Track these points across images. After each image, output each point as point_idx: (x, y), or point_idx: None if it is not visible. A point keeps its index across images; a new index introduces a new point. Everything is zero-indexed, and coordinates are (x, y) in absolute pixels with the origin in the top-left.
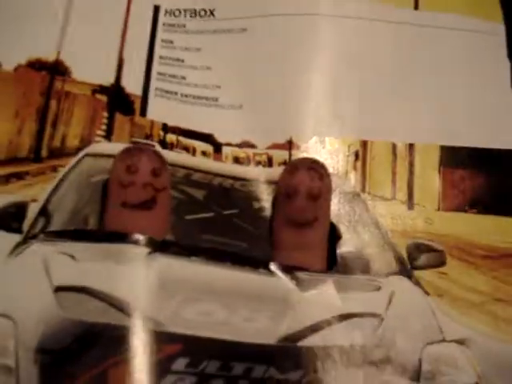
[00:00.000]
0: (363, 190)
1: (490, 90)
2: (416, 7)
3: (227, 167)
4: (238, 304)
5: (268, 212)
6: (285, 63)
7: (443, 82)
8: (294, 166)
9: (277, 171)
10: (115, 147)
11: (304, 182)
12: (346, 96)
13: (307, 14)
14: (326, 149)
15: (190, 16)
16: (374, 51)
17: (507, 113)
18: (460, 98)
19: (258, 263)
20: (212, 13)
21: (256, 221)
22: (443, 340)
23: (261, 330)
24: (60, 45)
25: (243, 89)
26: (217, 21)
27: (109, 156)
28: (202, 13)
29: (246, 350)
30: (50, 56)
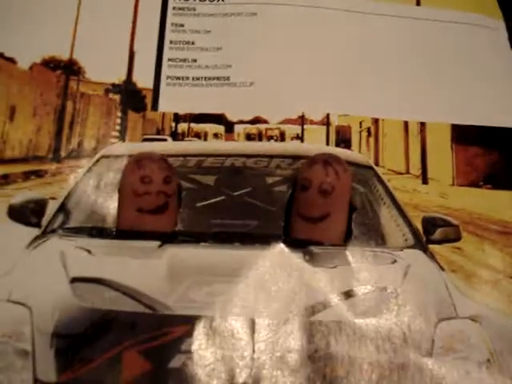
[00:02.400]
0: (377, 163)
1: (494, 77)
2: (418, 3)
3: (239, 146)
4: (248, 283)
5: (283, 187)
6: (294, 44)
7: (452, 69)
8: (312, 161)
9: (291, 145)
10: (129, 147)
11: (318, 176)
12: (357, 75)
13: (313, 7)
14: (338, 124)
15: (200, 0)
16: (383, 42)
17: (509, 96)
18: (467, 81)
19: (268, 240)
20: None
21: (269, 196)
22: (457, 316)
23: (273, 306)
24: (73, 42)
25: (254, 67)
26: (226, 5)
27: (123, 156)
28: None
29: (256, 327)
30: (63, 54)
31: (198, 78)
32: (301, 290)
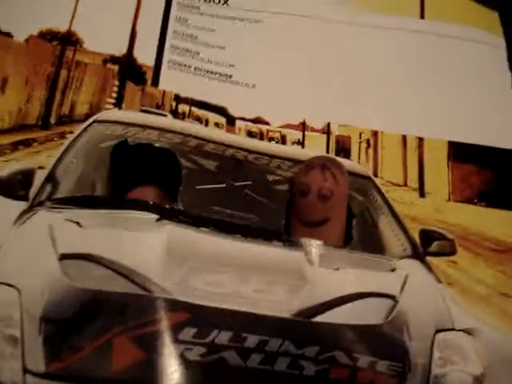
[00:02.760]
0: (375, 174)
1: (493, 96)
2: (422, 16)
3: (241, 139)
4: (250, 276)
5: (283, 186)
6: (297, 53)
7: (452, 85)
8: (310, 165)
9: (292, 149)
10: (125, 115)
11: (316, 182)
12: (358, 87)
13: (317, 19)
14: (338, 133)
15: (205, 1)
16: (385, 55)
17: (507, 116)
18: (466, 99)
19: (271, 236)
20: (226, 2)
21: (270, 193)
22: (453, 328)
23: (275, 302)
24: (73, 15)
25: (256, 70)
26: (231, 9)
27: (118, 123)
28: (217, 0)
29: (261, 321)
30: (62, 27)
31: (200, 69)
32: (303, 288)
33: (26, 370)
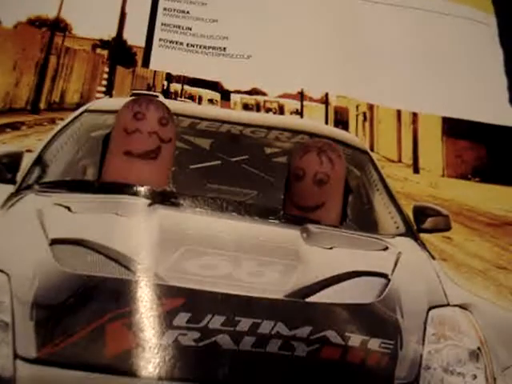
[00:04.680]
0: (372, 149)
1: (486, 73)
2: None
3: (236, 114)
4: (244, 257)
5: (282, 158)
6: (294, 21)
7: (446, 61)
8: (305, 148)
9: (290, 119)
10: (116, 103)
11: (312, 166)
12: (355, 59)
13: None
14: (336, 104)
15: None
16: (380, 30)
17: (497, 92)
18: (460, 76)
19: (267, 213)
20: None
21: (268, 166)
22: (447, 304)
23: (268, 284)
24: (61, 2)
25: (252, 40)
26: None
27: (109, 112)
28: None
29: (253, 304)
30: (50, 13)
31: (192, 45)
32: (296, 268)
33: (16, 356)
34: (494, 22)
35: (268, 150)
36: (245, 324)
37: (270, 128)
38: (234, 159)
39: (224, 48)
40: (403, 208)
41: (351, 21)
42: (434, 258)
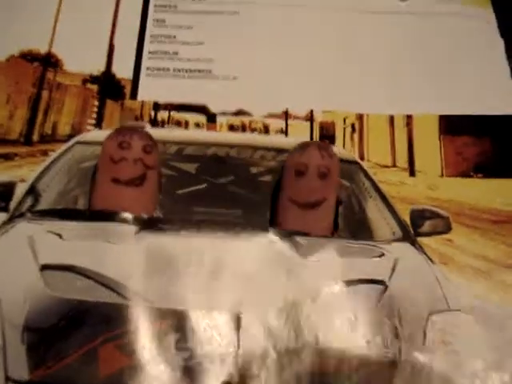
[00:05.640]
0: (362, 158)
1: (486, 64)
2: None
3: (221, 136)
4: (230, 276)
5: (267, 177)
6: (277, 41)
7: (440, 60)
8: (305, 145)
9: (275, 138)
10: (105, 134)
11: (315, 159)
12: (341, 70)
13: (296, 6)
14: (322, 120)
15: None
16: (365, 36)
17: (501, 83)
18: (455, 70)
19: (254, 230)
20: None
21: (253, 186)
22: (448, 309)
23: (256, 300)
24: (52, 36)
25: (236, 62)
26: (207, 3)
27: (99, 143)
28: None
29: (240, 322)
30: (42, 48)
31: (179, 70)
32: (288, 282)
33: (8, 378)
34: (492, 15)
35: (254, 170)
36: (234, 341)
37: (255, 148)
38: (220, 181)
39: (210, 70)
40: (399, 213)
41: (336, 32)
42: (433, 261)
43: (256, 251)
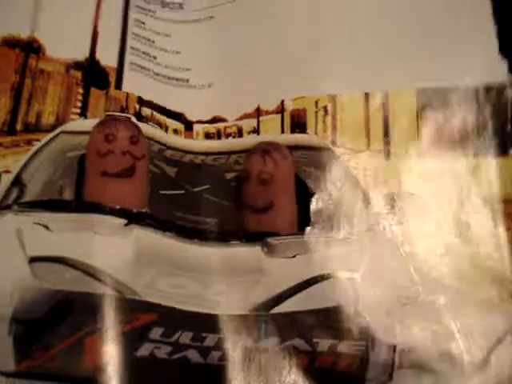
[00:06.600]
0: (334, 144)
1: (465, 30)
2: None
3: (197, 144)
4: (211, 279)
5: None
6: (248, 39)
7: (417, 26)
8: (251, 151)
9: (247, 139)
10: (90, 124)
11: (255, 166)
12: (311, 50)
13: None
14: (292, 108)
15: (161, 6)
16: (335, 5)
17: (487, 48)
18: (438, 41)
19: (226, 237)
20: (181, 6)
21: (228, 192)
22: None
23: (233, 301)
24: (34, 21)
25: (212, 70)
26: (185, 12)
27: (84, 133)
28: (171, 5)
29: (218, 321)
30: (23, 33)
31: (158, 74)
32: (261, 284)
33: None
34: None
35: (228, 176)
36: (211, 340)
37: (229, 153)
38: (196, 189)
39: (187, 80)
40: (372, 199)
41: (302, 13)
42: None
43: (229, 257)
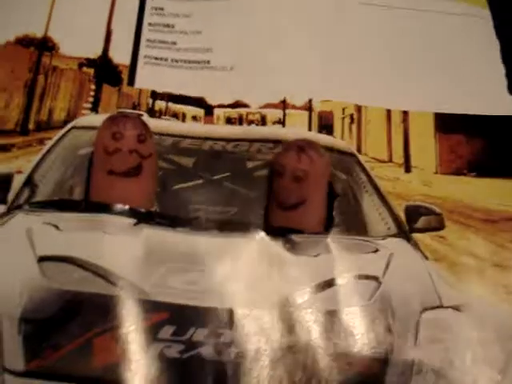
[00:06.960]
0: (359, 151)
1: (481, 65)
2: None
3: (217, 129)
4: (224, 273)
5: (263, 172)
6: (276, 29)
7: (437, 57)
8: (286, 146)
9: (272, 129)
10: (102, 119)
11: (290, 163)
12: (341, 61)
13: None
14: (320, 110)
15: None
16: (366, 30)
17: (497, 83)
18: (451, 69)
19: (247, 228)
20: None
21: (248, 181)
22: (440, 306)
23: (249, 296)
24: (48, 20)
25: (235, 51)
26: None
27: (95, 128)
28: None
29: (233, 316)
30: (38, 32)
31: (176, 61)
32: (281, 280)
33: (4, 369)
34: (489, 15)
35: (250, 165)
36: (228, 336)
37: (252, 141)
38: (216, 177)
39: (208, 61)
40: (394, 208)
41: (334, 24)
42: (427, 258)
43: (249, 250)
